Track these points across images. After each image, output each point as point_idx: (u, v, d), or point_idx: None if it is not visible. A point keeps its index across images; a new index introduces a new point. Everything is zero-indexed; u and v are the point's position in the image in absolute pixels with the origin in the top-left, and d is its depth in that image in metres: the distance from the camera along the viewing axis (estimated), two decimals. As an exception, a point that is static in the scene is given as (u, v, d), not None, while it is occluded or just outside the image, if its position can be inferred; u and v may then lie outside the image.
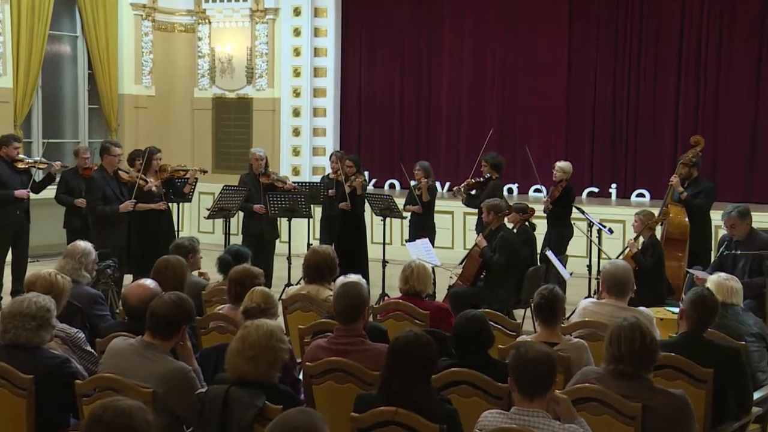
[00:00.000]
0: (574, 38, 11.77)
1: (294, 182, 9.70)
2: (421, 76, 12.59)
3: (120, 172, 8.21)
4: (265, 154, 9.22)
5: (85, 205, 8.25)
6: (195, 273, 5.68)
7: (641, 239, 7.61)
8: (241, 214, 9.43)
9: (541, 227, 8.54)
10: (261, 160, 9.05)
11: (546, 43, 11.85)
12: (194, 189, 9.30)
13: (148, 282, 4.36)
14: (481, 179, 8.80)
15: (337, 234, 9.25)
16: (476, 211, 8.81)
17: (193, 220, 12.45)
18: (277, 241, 9.32)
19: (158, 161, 8.62)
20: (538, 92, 11.93)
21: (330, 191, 9.28)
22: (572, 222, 8.71)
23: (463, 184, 8.98)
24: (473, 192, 8.87)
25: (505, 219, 7.69)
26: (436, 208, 9.20)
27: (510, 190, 11.85)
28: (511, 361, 3.17)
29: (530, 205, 8.38)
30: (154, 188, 8.32)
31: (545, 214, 8.64)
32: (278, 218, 9.29)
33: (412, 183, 9.13)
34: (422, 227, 8.83)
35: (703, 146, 8.43)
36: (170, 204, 8.85)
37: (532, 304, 4.42)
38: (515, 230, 7.84)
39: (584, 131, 11.81)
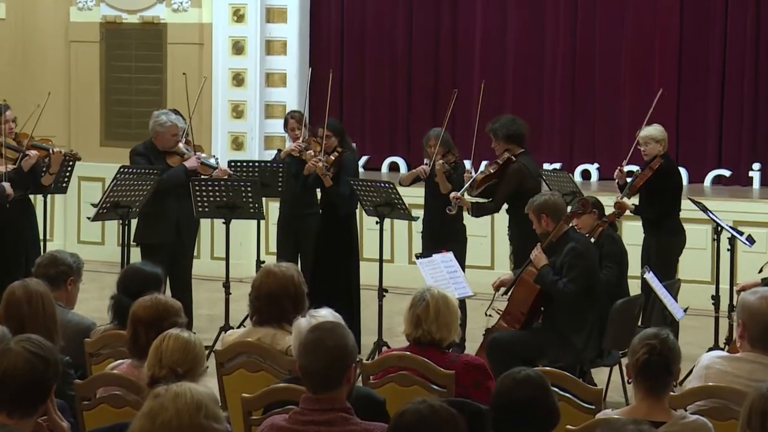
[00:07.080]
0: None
1: (233, 161, 9.73)
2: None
3: None
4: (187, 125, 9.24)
5: None
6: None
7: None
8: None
9: (631, 233, 8.57)
10: (178, 136, 9.02)
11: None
12: (68, 179, 9.33)
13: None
14: (492, 170, 8.78)
15: (305, 244, 9.30)
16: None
17: (69, 224, 12.45)
18: (195, 256, 9.39)
19: (11, 125, 8.63)
20: (632, 27, 11.98)
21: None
22: (682, 222, 8.77)
23: (466, 185, 8.78)
24: (490, 183, 8.78)
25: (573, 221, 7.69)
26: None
27: (586, 174, 11.90)
28: None
29: (618, 199, 8.42)
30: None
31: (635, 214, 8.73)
32: (201, 220, 9.34)
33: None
34: (444, 234, 8.83)
35: None
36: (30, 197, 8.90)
37: (633, 359, 4.39)
38: (593, 239, 7.87)
39: (708, 85, 11.89)
